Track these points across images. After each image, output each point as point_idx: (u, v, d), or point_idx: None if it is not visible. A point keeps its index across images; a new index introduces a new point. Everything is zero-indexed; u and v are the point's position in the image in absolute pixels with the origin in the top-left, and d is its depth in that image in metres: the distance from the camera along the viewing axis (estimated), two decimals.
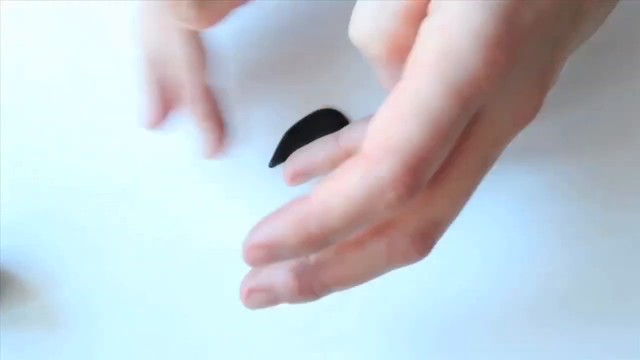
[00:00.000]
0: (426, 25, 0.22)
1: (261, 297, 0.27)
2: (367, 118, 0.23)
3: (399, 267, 0.24)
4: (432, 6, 0.22)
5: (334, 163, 0.29)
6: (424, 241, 0.24)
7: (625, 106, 0.33)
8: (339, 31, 0.35)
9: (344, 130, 0.30)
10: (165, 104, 0.32)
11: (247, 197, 0.34)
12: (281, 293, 0.26)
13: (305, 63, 0.34)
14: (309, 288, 0.25)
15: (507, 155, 0.25)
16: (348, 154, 0.26)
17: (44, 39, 0.34)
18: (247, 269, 0.33)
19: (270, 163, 0.33)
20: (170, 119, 0.32)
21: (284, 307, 0.33)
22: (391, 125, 0.21)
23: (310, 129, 0.33)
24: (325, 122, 0.33)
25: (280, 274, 0.26)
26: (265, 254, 0.25)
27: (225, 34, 0.33)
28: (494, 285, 0.33)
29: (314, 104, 0.33)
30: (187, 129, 0.33)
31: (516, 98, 0.23)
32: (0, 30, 0.34)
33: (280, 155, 0.33)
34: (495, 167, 0.24)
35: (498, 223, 0.33)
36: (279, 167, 0.33)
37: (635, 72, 0.34)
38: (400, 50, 0.22)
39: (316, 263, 0.25)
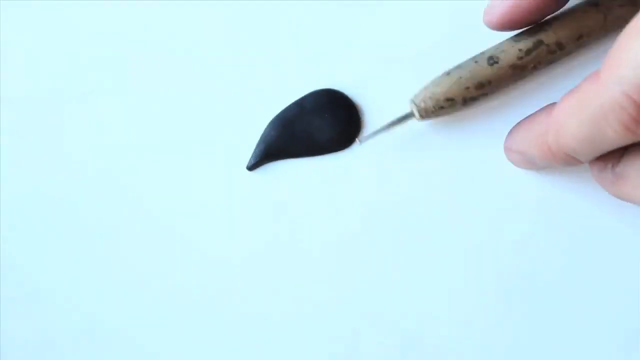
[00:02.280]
0: None
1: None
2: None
3: None
4: None
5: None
6: None
7: None
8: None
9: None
10: None
11: (243, 197, 0.33)
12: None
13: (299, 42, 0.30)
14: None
15: None
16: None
17: (46, 36, 0.34)
18: (246, 271, 0.33)
19: (249, 164, 0.27)
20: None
21: (277, 309, 0.33)
22: (624, 52, 0.21)
23: (304, 116, 0.27)
24: (324, 107, 0.27)
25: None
26: (520, 159, 0.26)
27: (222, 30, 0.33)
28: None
29: (307, 84, 0.28)
30: (179, 125, 0.33)
31: None
32: (1, 28, 0.33)
33: (265, 154, 0.26)
34: None
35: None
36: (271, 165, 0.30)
37: None
38: None
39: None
